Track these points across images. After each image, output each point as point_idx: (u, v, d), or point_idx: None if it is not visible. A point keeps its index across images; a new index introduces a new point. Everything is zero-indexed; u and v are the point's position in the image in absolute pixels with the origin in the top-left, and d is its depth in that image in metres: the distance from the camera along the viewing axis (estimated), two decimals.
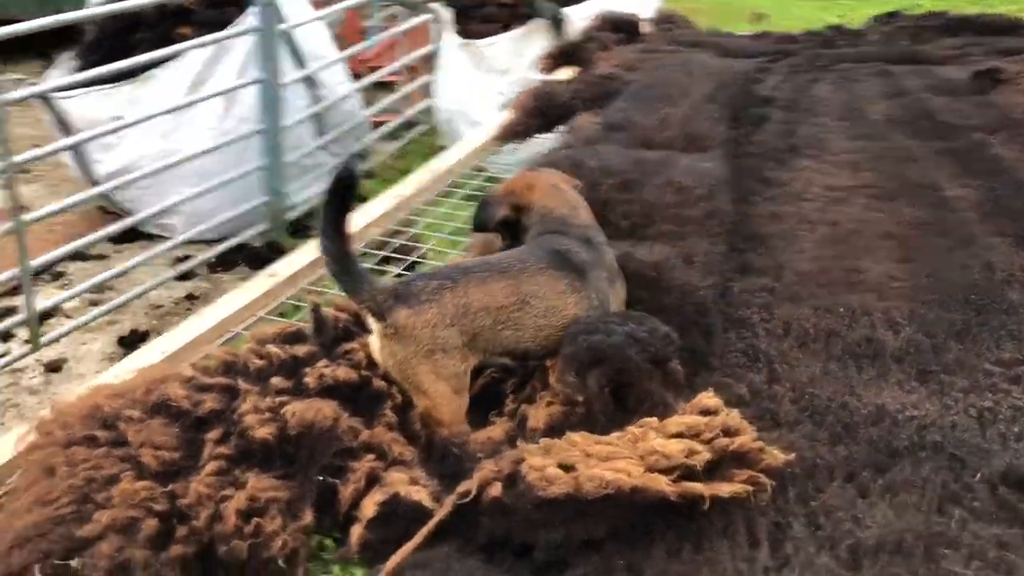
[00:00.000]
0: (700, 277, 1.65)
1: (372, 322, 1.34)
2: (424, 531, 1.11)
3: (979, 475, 1.25)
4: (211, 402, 1.25)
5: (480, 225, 1.62)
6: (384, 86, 6.13)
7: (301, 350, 1.35)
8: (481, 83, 4.94)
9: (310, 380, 1.29)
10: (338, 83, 5.05)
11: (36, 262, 2.96)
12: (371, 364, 1.35)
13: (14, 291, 3.52)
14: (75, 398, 1.28)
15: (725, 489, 1.17)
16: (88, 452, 1.19)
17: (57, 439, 1.21)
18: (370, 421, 1.28)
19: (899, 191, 2.19)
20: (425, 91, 5.64)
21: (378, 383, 1.32)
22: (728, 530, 1.18)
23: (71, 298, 3.51)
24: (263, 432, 1.21)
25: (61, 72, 4.69)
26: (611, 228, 1.69)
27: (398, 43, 5.67)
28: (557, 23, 4.46)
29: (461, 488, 1.16)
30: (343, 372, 1.31)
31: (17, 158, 2.67)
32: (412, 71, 6.21)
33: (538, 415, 1.29)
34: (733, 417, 1.26)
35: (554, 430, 1.28)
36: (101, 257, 4.84)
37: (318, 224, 1.32)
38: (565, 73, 3.44)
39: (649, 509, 1.16)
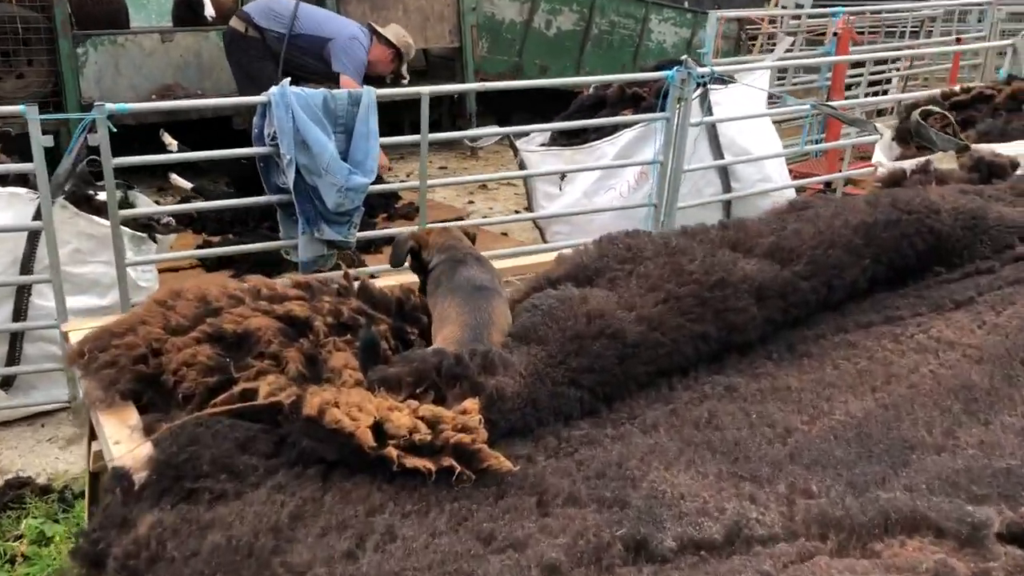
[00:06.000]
0: (636, 333, 1.91)
1: None
2: (233, 407, 1.70)
3: (621, 531, 1.41)
4: (224, 303, 2.00)
5: (397, 261, 2.14)
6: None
7: (295, 292, 2.03)
8: None
9: (278, 308, 1.96)
10: (758, 179, 5.44)
11: None
12: (328, 313, 1.97)
13: None
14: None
15: (412, 462, 1.55)
16: (159, 306, 2.03)
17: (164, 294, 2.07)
18: (291, 343, 1.90)
19: (996, 358, 2.02)
20: None
21: (318, 323, 1.93)
22: (409, 486, 1.55)
23: None
24: (228, 326, 1.91)
25: (540, 132, 5.84)
26: (592, 283, 2.07)
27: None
28: (966, 156, 4.27)
29: (279, 396, 1.72)
30: (300, 309, 1.95)
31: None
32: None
33: None
34: (474, 421, 1.61)
35: None
36: None
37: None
38: None
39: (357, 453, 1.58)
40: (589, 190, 5.28)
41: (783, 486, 1.56)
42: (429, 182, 4.41)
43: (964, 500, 1.48)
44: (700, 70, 4.66)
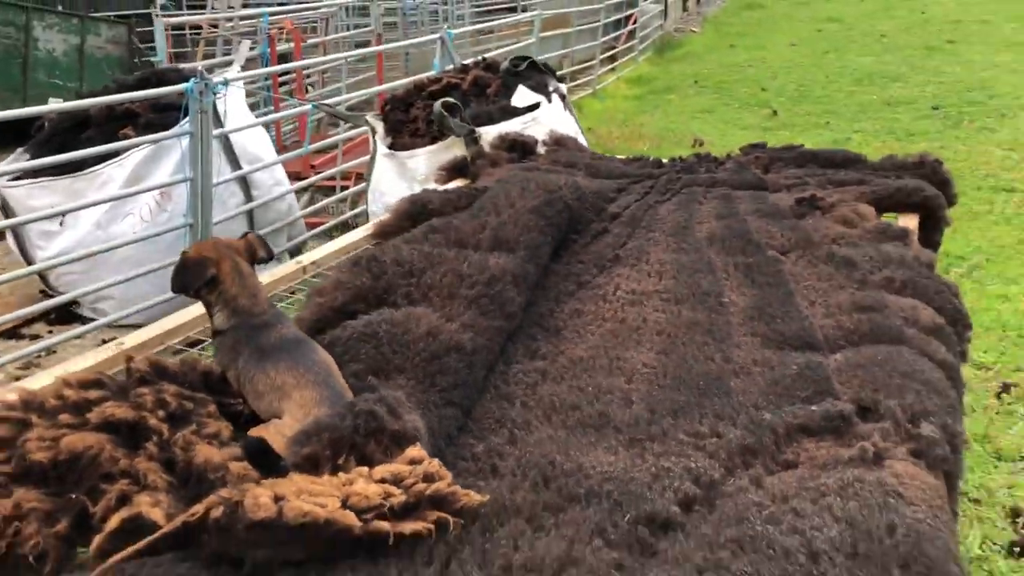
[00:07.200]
0: (470, 339, 1.97)
1: None
2: (143, 542, 1.38)
3: (629, 516, 1.54)
4: (4, 429, 1.54)
5: (183, 287, 1.91)
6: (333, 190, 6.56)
7: (94, 394, 1.64)
8: (404, 191, 5.34)
9: (92, 416, 1.58)
10: (273, 184, 5.44)
11: None
12: (155, 407, 1.65)
13: None
14: None
15: (408, 528, 1.45)
16: None
17: None
18: (135, 452, 1.55)
19: (687, 297, 2.52)
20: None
21: (153, 421, 1.61)
22: (408, 553, 1.45)
23: None
24: (39, 456, 1.49)
25: (9, 163, 5.04)
26: (390, 304, 2.06)
27: (355, 149, 6.12)
28: (472, 140, 4.89)
29: (192, 509, 1.43)
30: (121, 411, 1.59)
31: None
32: (359, 177, 6.65)
33: None
34: (433, 465, 1.55)
35: None
36: (36, 337, 5.14)
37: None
38: (456, 184, 3.82)
39: (342, 540, 1.42)
40: (102, 220, 4.75)
41: (681, 434, 1.82)
42: None
43: (803, 403, 1.90)
44: (215, 80, 4.50)
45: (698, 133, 9.76)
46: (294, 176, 6.32)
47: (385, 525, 1.43)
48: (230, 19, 7.76)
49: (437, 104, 4.66)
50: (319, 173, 6.55)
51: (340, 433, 1.58)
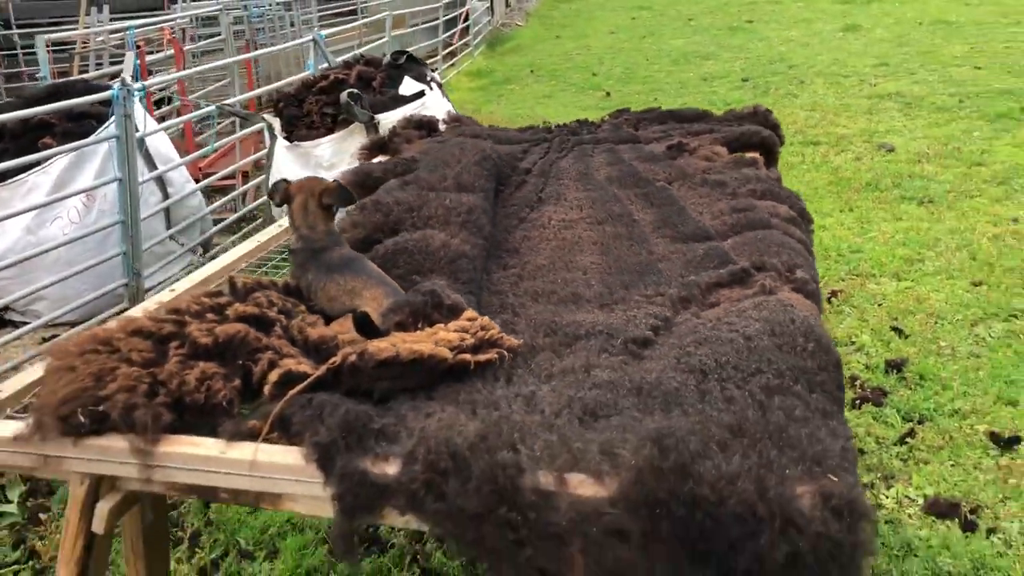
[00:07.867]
0: (469, 248, 2.64)
1: None
2: (305, 383, 1.97)
3: (619, 340, 2.25)
4: (168, 327, 2.08)
5: (271, 195, 2.57)
6: (222, 189, 6.97)
7: (223, 299, 2.21)
8: None
9: (230, 313, 2.14)
10: (184, 182, 5.85)
11: None
12: (268, 305, 2.22)
13: None
14: (75, 334, 2.07)
15: (482, 358, 2.10)
16: (94, 356, 1.98)
17: (71, 351, 2.00)
18: (267, 335, 2.13)
19: (606, 219, 3.26)
20: (258, 190, 6.50)
21: (271, 315, 2.19)
22: (481, 375, 2.10)
23: None
24: (204, 340, 2.04)
25: None
26: (403, 231, 2.69)
27: (232, 150, 6.54)
28: (372, 126, 5.48)
29: (332, 359, 2.03)
30: (250, 308, 2.17)
31: None
32: (244, 175, 7.08)
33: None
34: (486, 321, 2.21)
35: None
36: None
37: None
38: (379, 159, 4.42)
39: (438, 369, 2.06)
40: (31, 225, 5.04)
41: (636, 297, 2.55)
42: None
43: (713, 269, 2.67)
44: (135, 86, 4.89)
45: (544, 116, 10.61)
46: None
47: (468, 356, 2.08)
48: (99, 34, 7.94)
49: (343, 94, 5.23)
50: (207, 174, 6.94)
51: (417, 306, 2.21)
